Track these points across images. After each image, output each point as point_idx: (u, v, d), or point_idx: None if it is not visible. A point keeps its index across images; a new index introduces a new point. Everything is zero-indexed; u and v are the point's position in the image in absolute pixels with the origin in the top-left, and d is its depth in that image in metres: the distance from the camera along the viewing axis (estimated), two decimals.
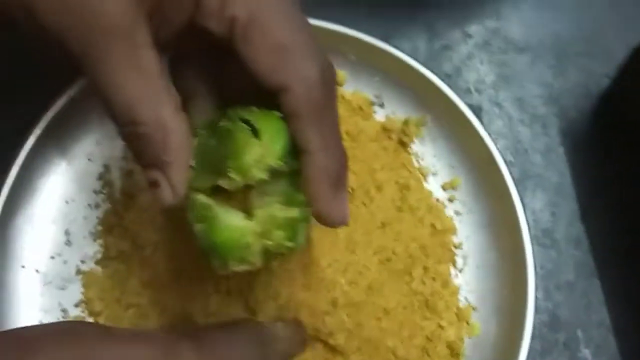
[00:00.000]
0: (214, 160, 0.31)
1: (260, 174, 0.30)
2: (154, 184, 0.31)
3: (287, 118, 0.31)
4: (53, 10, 0.28)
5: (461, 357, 0.44)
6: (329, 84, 0.31)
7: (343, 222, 0.32)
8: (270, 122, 0.31)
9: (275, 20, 0.30)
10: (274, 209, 0.31)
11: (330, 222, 0.32)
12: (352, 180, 0.44)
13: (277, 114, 0.31)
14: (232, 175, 0.30)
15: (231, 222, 0.31)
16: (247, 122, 0.31)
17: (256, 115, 0.31)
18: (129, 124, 0.30)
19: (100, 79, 0.29)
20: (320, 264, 0.41)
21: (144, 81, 0.29)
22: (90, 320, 0.44)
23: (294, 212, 0.31)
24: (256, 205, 0.31)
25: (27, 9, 0.28)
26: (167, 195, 0.31)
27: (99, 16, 0.28)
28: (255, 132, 0.30)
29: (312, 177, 0.31)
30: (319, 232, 0.41)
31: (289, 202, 0.31)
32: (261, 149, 0.30)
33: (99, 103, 0.30)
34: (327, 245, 0.42)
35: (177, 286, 0.43)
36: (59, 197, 0.47)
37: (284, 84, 0.30)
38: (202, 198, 0.31)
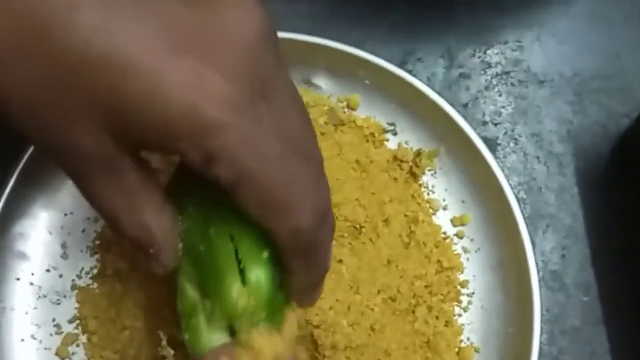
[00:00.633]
0: (200, 264, 0.32)
1: (246, 325, 0.31)
2: (145, 263, 0.33)
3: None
4: (30, 125, 0.27)
5: None
6: (324, 222, 0.31)
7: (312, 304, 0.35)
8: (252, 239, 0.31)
9: (265, 176, 0.28)
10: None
11: (303, 303, 0.34)
12: (360, 214, 0.44)
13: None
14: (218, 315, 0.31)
15: (214, 342, 0.32)
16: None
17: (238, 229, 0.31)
18: (113, 228, 0.31)
19: (82, 191, 0.30)
20: (322, 307, 0.40)
21: (122, 195, 0.30)
22: (84, 338, 0.44)
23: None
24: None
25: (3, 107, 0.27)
26: (157, 269, 0.33)
27: (76, 149, 0.27)
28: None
29: (294, 288, 0.33)
30: None
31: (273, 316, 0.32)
32: (248, 299, 0.31)
33: None
34: (331, 285, 0.41)
35: (173, 312, 0.42)
36: (57, 208, 0.46)
37: (272, 230, 0.30)
38: (189, 289, 0.32)
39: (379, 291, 0.43)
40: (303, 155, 0.29)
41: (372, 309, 0.42)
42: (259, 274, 0.31)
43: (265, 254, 0.31)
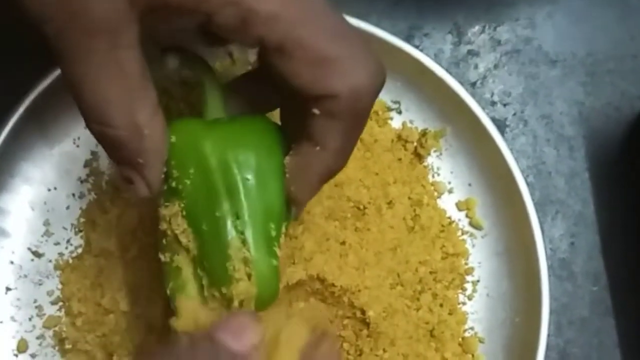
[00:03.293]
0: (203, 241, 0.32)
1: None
2: (127, 180, 0.32)
3: (313, 115, 0.31)
4: None
5: None
6: (376, 92, 0.31)
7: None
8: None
9: (315, 35, 0.29)
10: None
11: (295, 214, 0.34)
12: (364, 195, 0.44)
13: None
14: (216, 295, 0.32)
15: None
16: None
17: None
18: (100, 124, 0.30)
19: (75, 76, 0.29)
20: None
21: (121, 83, 0.29)
22: (67, 321, 0.44)
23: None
24: None
25: None
26: (142, 190, 0.32)
27: (84, 13, 0.27)
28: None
29: (313, 173, 0.32)
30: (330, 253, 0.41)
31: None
32: (250, 287, 0.32)
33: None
34: (339, 263, 0.42)
35: (160, 296, 0.42)
36: (39, 183, 0.46)
37: (330, 92, 0.30)
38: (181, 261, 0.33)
39: (385, 276, 0.43)
40: (350, 28, 0.30)
41: (382, 293, 0.42)
42: (262, 267, 0.32)
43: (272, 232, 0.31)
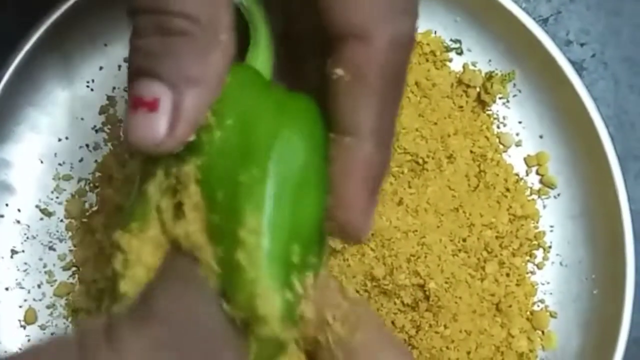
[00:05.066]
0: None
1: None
2: (147, 104, 0.24)
3: (338, 83, 0.26)
4: None
5: None
6: (410, 53, 0.27)
7: (362, 241, 0.28)
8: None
9: None
10: None
11: (354, 236, 0.27)
12: (422, 148, 0.42)
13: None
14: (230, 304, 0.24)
15: None
16: None
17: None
18: (157, 11, 0.23)
19: None
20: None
21: None
22: (81, 289, 0.42)
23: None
24: None
25: None
26: (162, 127, 0.24)
27: None
28: None
29: (350, 173, 0.26)
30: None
31: None
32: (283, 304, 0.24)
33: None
34: (395, 223, 0.39)
35: None
36: (49, 132, 0.43)
37: (364, 29, 0.25)
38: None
39: (448, 241, 0.41)
40: None
41: (444, 261, 0.40)
42: (267, 291, 0.24)
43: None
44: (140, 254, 0.25)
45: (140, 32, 0.24)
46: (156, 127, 0.23)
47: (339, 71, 0.25)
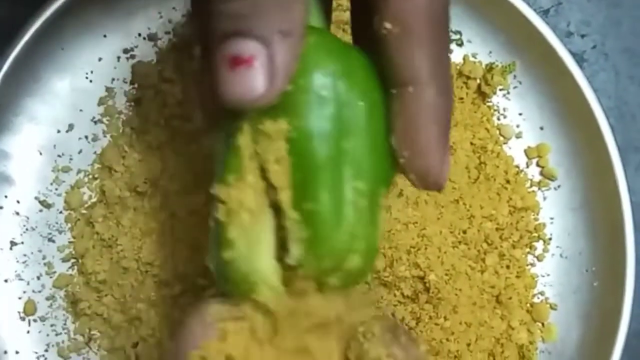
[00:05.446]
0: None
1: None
2: (244, 61, 0.25)
3: (389, 38, 0.26)
4: None
5: None
6: (448, 1, 0.27)
7: (443, 186, 0.28)
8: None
9: None
10: None
11: (435, 182, 0.28)
12: None
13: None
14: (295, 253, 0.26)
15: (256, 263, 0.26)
16: None
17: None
18: None
19: None
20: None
21: None
22: (80, 280, 0.42)
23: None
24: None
25: None
26: (260, 82, 0.24)
27: None
28: None
29: (420, 120, 0.26)
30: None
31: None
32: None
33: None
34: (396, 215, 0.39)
35: (188, 251, 0.40)
36: (48, 123, 0.43)
37: None
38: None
39: (448, 233, 0.41)
40: None
41: (444, 253, 0.40)
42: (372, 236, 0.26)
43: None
44: (243, 201, 0.25)
45: None
46: (256, 82, 0.24)
47: (388, 25, 0.26)
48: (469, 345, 0.40)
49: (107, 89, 0.43)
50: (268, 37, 0.24)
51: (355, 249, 0.25)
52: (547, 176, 0.44)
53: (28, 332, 0.41)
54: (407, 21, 0.26)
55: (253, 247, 0.25)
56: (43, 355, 0.41)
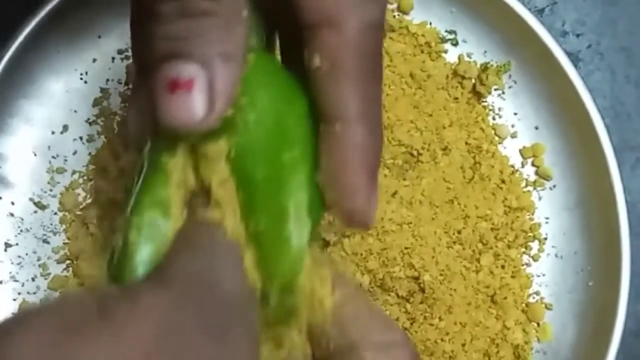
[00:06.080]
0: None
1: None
2: (183, 85, 0.24)
3: (318, 73, 0.26)
4: None
5: None
6: (382, 37, 0.27)
7: (369, 226, 0.28)
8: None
9: None
10: None
11: (362, 223, 0.27)
12: (417, 140, 0.42)
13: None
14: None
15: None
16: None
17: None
18: None
19: None
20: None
21: None
22: (75, 283, 0.42)
23: None
24: None
25: None
26: (199, 106, 0.24)
27: None
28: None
29: (346, 161, 0.26)
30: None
31: None
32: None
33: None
34: (390, 216, 0.39)
35: None
36: (42, 125, 0.43)
37: (335, 16, 0.25)
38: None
39: (442, 233, 0.40)
40: None
41: (439, 253, 0.40)
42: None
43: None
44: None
45: (164, 18, 0.24)
46: (195, 106, 0.24)
47: (317, 60, 0.25)
48: (464, 345, 0.40)
49: (102, 90, 0.43)
50: (208, 60, 0.24)
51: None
52: (542, 176, 0.44)
53: None
54: (336, 57, 0.25)
55: None
56: None
